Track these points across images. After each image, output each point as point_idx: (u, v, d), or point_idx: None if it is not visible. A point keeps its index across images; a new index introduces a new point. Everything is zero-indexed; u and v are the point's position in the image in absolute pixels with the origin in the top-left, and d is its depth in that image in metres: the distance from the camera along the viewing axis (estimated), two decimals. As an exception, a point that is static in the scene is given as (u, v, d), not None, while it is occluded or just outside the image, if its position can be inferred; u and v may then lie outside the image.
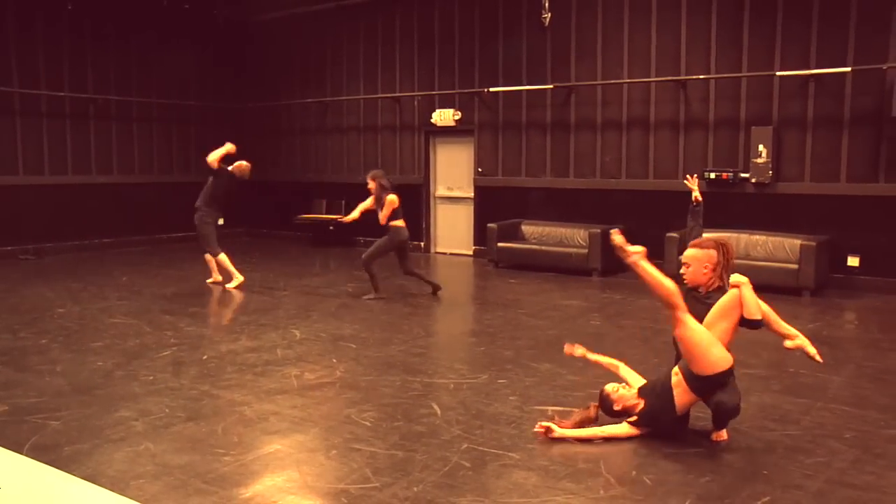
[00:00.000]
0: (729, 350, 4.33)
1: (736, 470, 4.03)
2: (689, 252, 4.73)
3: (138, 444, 4.41)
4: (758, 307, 4.29)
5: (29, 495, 1.84)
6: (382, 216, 8.93)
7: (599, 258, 10.44)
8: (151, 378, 5.76)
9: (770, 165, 9.76)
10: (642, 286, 4.54)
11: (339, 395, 5.37)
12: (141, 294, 9.18)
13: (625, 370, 4.94)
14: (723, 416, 4.34)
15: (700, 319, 4.35)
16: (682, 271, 4.74)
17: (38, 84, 12.61)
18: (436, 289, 9.26)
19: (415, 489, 3.80)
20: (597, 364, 5.08)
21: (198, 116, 14.91)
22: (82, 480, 1.93)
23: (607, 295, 9.31)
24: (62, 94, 12.89)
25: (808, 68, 9.48)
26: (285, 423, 4.78)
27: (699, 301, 4.59)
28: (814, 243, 8.99)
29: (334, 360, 6.25)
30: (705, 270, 4.63)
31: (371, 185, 9.11)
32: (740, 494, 3.73)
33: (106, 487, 1.81)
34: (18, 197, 12.40)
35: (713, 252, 4.63)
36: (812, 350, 4.42)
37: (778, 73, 9.69)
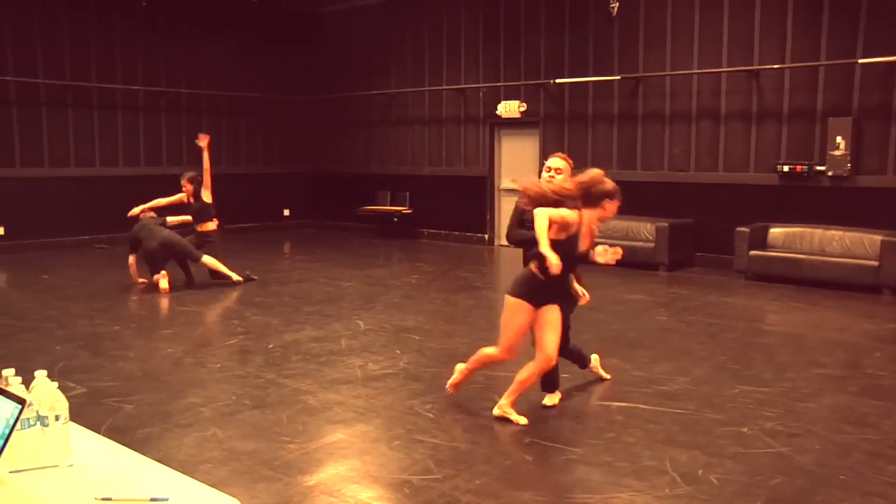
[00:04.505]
0: None
1: (808, 473, 3.92)
2: (561, 163, 5.03)
3: (206, 429, 4.53)
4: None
5: (106, 473, 1.91)
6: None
7: (666, 252, 10.26)
8: (219, 366, 5.91)
9: (848, 158, 9.42)
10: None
11: (403, 386, 5.42)
12: (209, 283, 9.40)
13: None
14: None
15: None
16: (550, 175, 4.93)
17: (114, 78, 13.05)
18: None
19: (477, 482, 3.80)
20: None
21: (263, 109, 15.19)
22: (155, 462, 2.00)
23: (674, 290, 9.15)
24: (136, 87, 13.31)
25: (895, 55, 9.08)
26: (349, 413, 4.85)
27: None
28: (896, 239, 8.65)
29: (398, 352, 6.30)
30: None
31: (188, 186, 9.33)
32: (813, 499, 3.63)
33: (176, 470, 1.88)
34: (94, 187, 12.87)
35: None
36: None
37: (860, 61, 9.33)
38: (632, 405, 4.92)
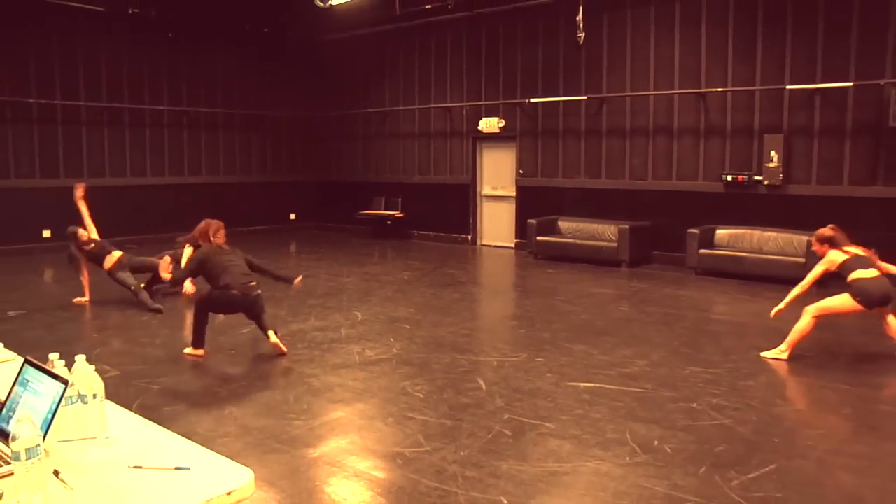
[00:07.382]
0: None
1: (747, 441, 3.99)
2: None
3: (223, 408, 4.54)
4: None
5: (137, 444, 1.94)
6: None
7: (628, 251, 10.31)
8: (234, 351, 5.91)
9: (781, 169, 9.51)
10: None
11: (396, 370, 5.44)
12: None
13: None
14: None
15: None
16: None
17: (143, 100, 13.01)
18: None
19: (462, 453, 3.83)
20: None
21: (272, 124, 15.15)
22: (179, 435, 2.02)
23: (634, 284, 9.21)
24: (161, 107, 13.25)
25: (815, 83, 9.21)
26: (348, 394, 4.86)
27: None
28: (822, 239, 8.73)
29: (391, 340, 6.32)
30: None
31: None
32: (750, 462, 3.70)
33: (197, 443, 1.89)
34: (125, 195, 12.83)
35: None
36: None
37: (788, 87, 9.43)
38: (598, 385, 4.97)
